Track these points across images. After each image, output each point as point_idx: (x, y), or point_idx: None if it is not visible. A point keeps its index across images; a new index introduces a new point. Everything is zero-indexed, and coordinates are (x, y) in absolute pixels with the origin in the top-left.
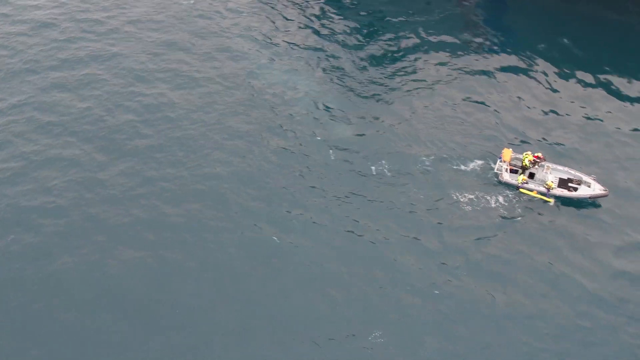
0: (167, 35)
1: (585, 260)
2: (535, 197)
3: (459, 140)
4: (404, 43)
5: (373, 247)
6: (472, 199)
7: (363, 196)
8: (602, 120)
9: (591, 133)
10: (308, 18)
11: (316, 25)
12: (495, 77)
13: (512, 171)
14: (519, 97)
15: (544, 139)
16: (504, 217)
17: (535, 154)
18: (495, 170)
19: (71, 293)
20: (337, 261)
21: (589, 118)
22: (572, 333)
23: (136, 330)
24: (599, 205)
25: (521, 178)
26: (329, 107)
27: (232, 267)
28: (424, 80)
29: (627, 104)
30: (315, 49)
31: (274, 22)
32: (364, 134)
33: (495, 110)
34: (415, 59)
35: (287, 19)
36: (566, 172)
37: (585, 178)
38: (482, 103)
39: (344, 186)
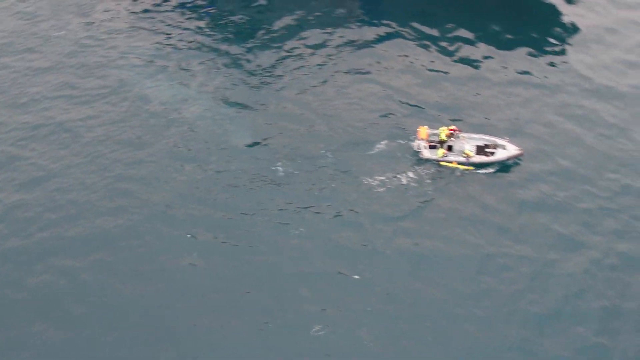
0: (44, 62)
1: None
2: (456, 167)
3: (362, 124)
4: (287, 36)
5: (298, 244)
6: (384, 180)
7: (274, 199)
8: (489, 79)
9: (482, 89)
10: (188, 29)
11: (198, 33)
12: (377, 53)
13: (431, 147)
14: (405, 68)
15: (440, 104)
16: (423, 193)
17: (451, 127)
18: (415, 149)
19: None
20: (261, 270)
21: (475, 78)
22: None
23: None
24: (517, 164)
25: (441, 152)
26: (222, 114)
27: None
28: (314, 72)
29: (504, 51)
30: (200, 58)
31: (154, 38)
32: (264, 137)
33: (387, 86)
34: (301, 51)
35: (167, 34)
36: (481, 139)
37: (499, 141)
38: (373, 81)
39: (252, 194)
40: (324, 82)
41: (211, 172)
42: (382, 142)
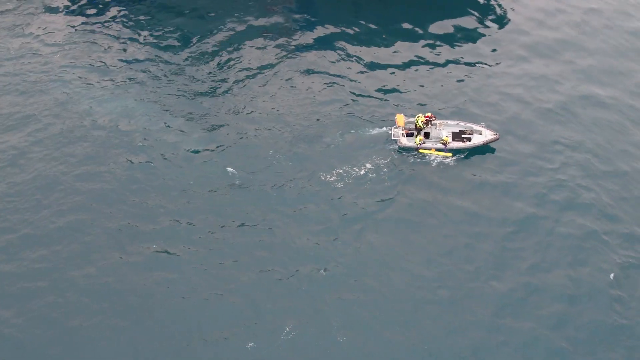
0: None
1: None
2: (434, 154)
3: (314, 118)
4: (226, 40)
5: (269, 242)
6: (343, 173)
7: (236, 206)
8: (441, 65)
9: (436, 79)
10: (127, 39)
11: (137, 43)
12: (317, 50)
13: (408, 135)
14: (345, 62)
15: (396, 92)
16: (395, 181)
17: (427, 115)
18: (392, 137)
19: None
20: (232, 271)
21: (417, 65)
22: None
23: None
24: (492, 150)
25: (418, 139)
26: (169, 125)
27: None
28: (258, 72)
29: (444, 39)
30: (140, 68)
31: (93, 51)
32: (216, 144)
33: (334, 79)
34: (241, 54)
35: (106, 47)
36: (457, 125)
37: (475, 127)
38: (320, 76)
39: (209, 200)
40: (266, 82)
41: (165, 182)
42: (339, 133)
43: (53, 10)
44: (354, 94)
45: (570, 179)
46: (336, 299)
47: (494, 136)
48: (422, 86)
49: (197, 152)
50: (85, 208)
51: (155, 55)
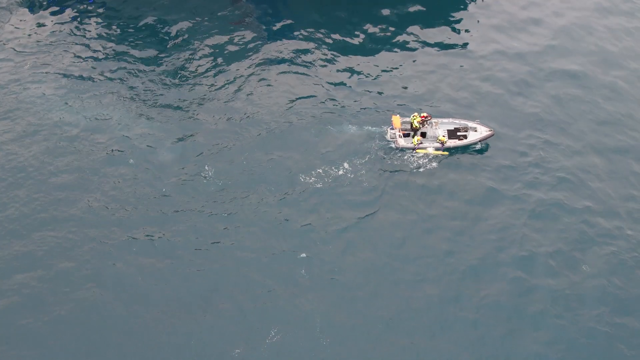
0: None
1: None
2: (431, 153)
3: (291, 117)
4: (197, 44)
5: (251, 247)
6: (322, 173)
7: (214, 211)
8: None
9: (415, 71)
10: (96, 47)
11: (107, 50)
12: (286, 47)
13: (405, 135)
14: (327, 59)
15: (375, 94)
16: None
17: (422, 114)
18: (389, 139)
19: None
20: (216, 284)
21: (392, 58)
22: None
23: None
24: (487, 146)
25: (416, 139)
26: (145, 134)
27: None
28: (232, 71)
29: (424, 30)
30: (113, 77)
31: (64, 56)
32: (192, 150)
33: (309, 78)
34: (214, 59)
35: (77, 55)
36: (452, 123)
37: (470, 124)
38: (295, 68)
39: (190, 213)
40: (242, 82)
41: (141, 188)
42: (317, 131)
43: (21, 15)
44: (331, 88)
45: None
46: (319, 301)
47: (488, 132)
48: (401, 77)
49: (172, 156)
50: (56, 222)
51: (124, 57)
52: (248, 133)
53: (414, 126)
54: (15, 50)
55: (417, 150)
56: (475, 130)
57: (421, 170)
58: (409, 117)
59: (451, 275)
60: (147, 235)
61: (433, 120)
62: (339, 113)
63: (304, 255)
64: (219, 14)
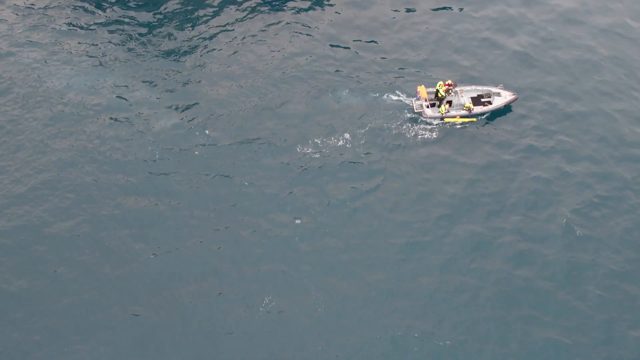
0: None
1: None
2: (459, 121)
3: (288, 81)
4: (191, 12)
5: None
6: (320, 143)
7: (210, 182)
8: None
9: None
10: (88, 15)
11: (99, 19)
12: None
13: (431, 105)
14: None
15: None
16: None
17: (447, 82)
18: (416, 110)
19: None
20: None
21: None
22: None
23: None
24: (510, 110)
25: (444, 108)
26: (141, 101)
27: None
28: (226, 33)
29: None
30: (106, 42)
31: (56, 24)
32: (187, 115)
33: (310, 30)
34: (206, 17)
35: (73, 24)
36: (475, 90)
37: (493, 89)
38: (299, 33)
39: (188, 184)
40: (236, 44)
41: (136, 157)
42: (318, 98)
43: None
44: (330, 50)
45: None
46: (314, 268)
47: (512, 96)
48: (402, 38)
49: (166, 123)
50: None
51: (122, 36)
52: (246, 99)
53: (439, 95)
54: (13, 14)
55: (445, 119)
56: (499, 95)
57: (419, 138)
58: (431, 86)
59: (447, 239)
60: (145, 206)
61: (457, 88)
62: (338, 78)
63: (298, 221)
64: None
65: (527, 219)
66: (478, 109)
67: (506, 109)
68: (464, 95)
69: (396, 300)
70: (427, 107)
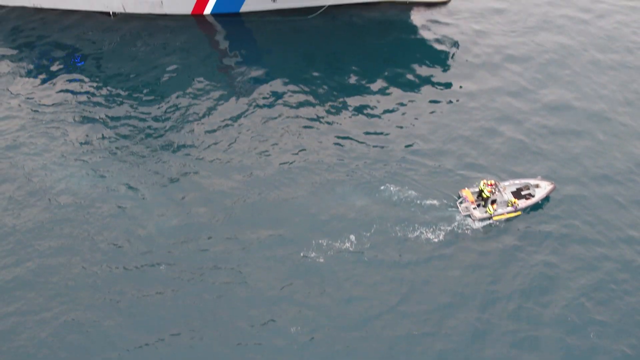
0: None
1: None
2: (506, 217)
3: (294, 181)
4: (188, 99)
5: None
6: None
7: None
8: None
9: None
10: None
11: (87, 111)
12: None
13: (478, 206)
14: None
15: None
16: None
17: (489, 182)
18: (463, 214)
19: None
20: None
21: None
22: None
23: None
24: (548, 200)
25: (492, 208)
26: (139, 198)
27: None
28: (221, 128)
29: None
30: (104, 138)
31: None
32: (190, 220)
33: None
34: (199, 112)
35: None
36: (513, 185)
37: (532, 181)
38: (305, 127)
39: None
40: (232, 138)
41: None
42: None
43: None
44: (335, 143)
45: None
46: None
47: (551, 186)
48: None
49: (159, 229)
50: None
51: (116, 130)
52: (245, 193)
53: (484, 196)
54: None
55: (494, 218)
56: (538, 186)
57: (435, 240)
58: (475, 187)
59: None
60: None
61: (500, 186)
62: (343, 173)
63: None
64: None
65: None
66: (522, 204)
67: (545, 198)
68: (507, 191)
69: None
70: (475, 208)
